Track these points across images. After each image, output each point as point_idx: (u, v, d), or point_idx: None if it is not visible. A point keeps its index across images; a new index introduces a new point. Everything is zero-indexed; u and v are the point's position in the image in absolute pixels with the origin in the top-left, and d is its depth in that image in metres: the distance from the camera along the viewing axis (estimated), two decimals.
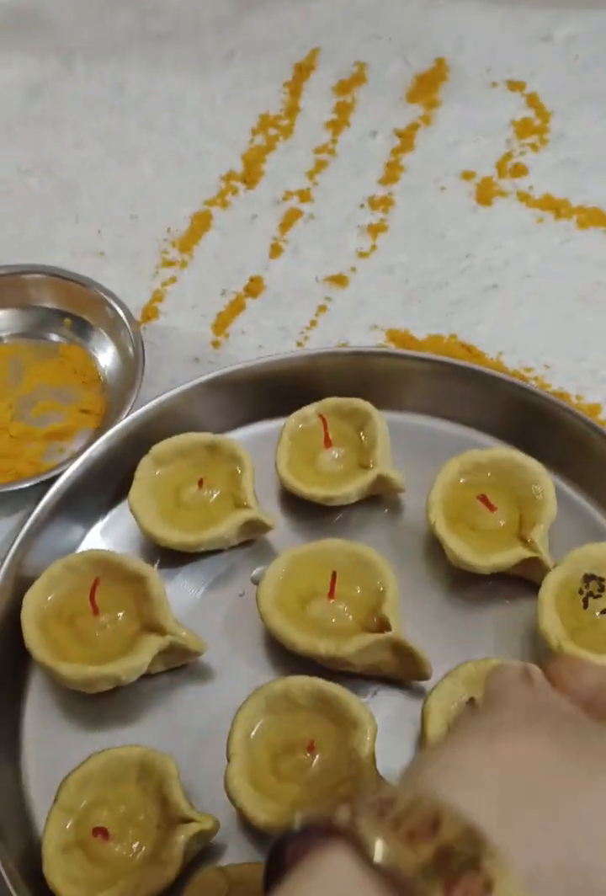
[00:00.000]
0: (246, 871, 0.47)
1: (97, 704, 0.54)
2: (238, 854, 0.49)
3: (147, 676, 0.53)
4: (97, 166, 0.84)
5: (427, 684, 0.53)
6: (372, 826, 0.25)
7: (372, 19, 0.91)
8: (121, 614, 0.55)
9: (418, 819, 0.24)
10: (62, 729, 0.54)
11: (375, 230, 0.77)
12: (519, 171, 0.79)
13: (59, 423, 0.67)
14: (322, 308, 0.73)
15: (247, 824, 0.48)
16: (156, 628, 0.53)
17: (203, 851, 0.49)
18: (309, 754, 0.49)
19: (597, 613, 0.53)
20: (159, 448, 0.61)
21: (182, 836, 0.47)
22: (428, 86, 0.85)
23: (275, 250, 0.77)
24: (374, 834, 0.24)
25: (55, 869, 0.46)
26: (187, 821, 0.47)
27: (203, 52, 0.90)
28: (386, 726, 0.51)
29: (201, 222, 0.79)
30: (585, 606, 0.53)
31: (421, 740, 0.51)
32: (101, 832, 0.47)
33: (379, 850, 0.24)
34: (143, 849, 0.47)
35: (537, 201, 0.78)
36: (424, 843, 0.24)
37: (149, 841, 0.48)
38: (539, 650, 0.54)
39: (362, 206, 0.79)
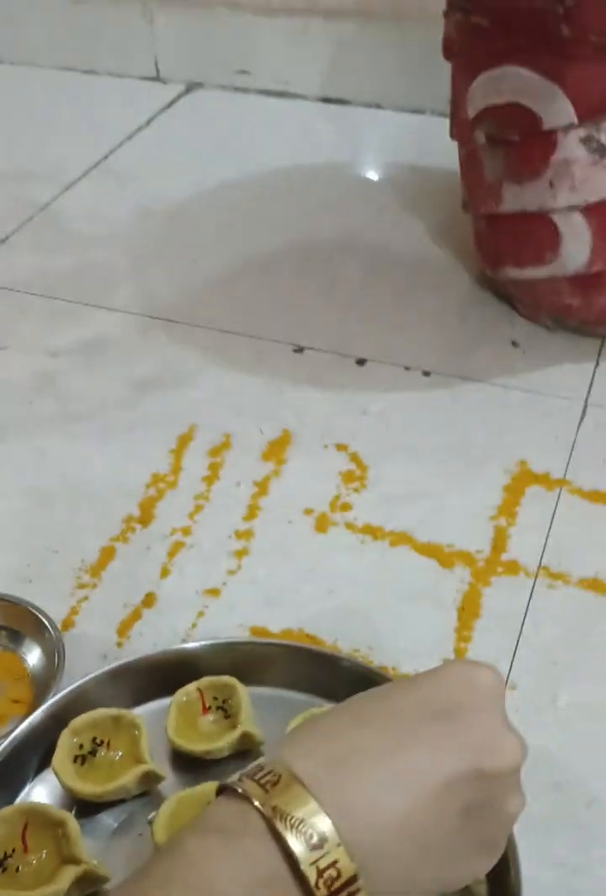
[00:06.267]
0: None
1: None
2: None
3: None
4: (21, 512, 1.01)
5: None
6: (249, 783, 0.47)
7: (236, 400, 1.17)
8: (44, 852, 0.67)
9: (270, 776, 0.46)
10: None
11: (241, 554, 0.91)
12: (346, 507, 1.00)
13: None
14: (201, 613, 0.86)
15: None
16: (72, 860, 0.66)
17: None
18: None
19: None
20: (76, 722, 0.75)
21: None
22: (278, 448, 1.08)
23: (165, 572, 0.90)
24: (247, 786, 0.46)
25: None
26: None
27: (108, 427, 1.13)
28: None
29: (107, 554, 0.92)
30: None
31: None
32: None
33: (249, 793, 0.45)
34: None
35: (360, 528, 0.95)
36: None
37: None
38: None
39: (230, 536, 0.93)
